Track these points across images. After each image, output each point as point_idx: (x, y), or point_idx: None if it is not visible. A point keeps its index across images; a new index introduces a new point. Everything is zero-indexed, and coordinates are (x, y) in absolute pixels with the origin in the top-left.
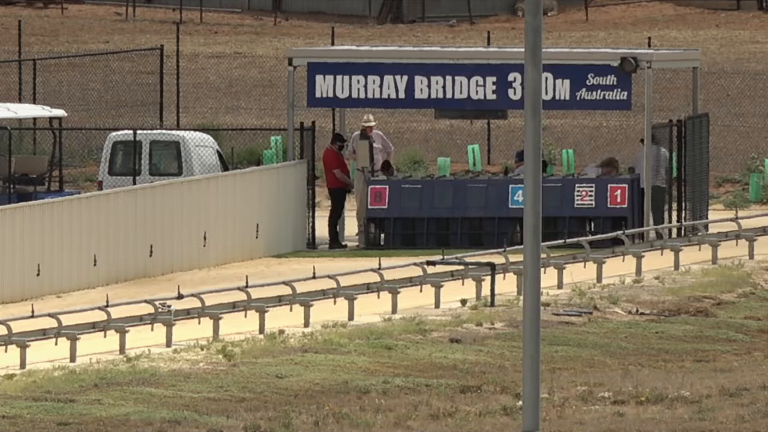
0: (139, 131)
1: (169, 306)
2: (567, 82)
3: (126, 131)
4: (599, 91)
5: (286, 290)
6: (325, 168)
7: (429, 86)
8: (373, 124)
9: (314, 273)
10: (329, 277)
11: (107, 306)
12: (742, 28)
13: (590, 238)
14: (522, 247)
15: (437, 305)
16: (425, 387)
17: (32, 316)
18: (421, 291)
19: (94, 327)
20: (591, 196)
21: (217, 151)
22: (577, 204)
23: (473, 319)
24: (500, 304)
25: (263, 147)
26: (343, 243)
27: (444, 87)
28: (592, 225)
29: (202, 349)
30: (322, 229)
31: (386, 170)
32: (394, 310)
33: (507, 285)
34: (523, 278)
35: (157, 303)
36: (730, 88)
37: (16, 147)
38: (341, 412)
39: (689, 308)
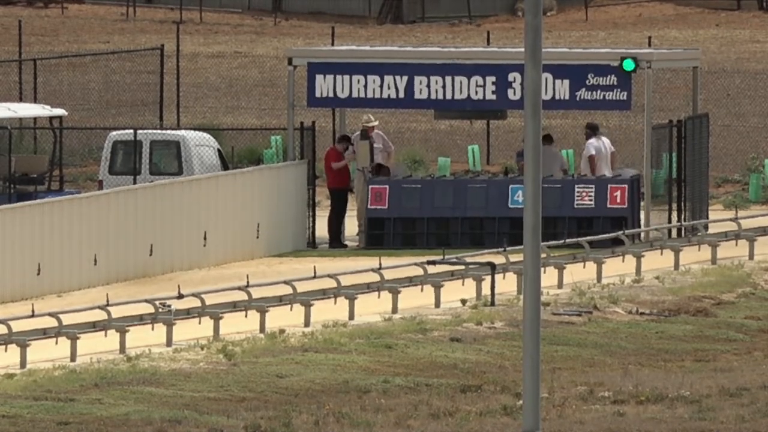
0: (139, 131)
1: (170, 305)
2: (567, 82)
3: (126, 131)
4: (599, 91)
5: (286, 290)
6: (326, 167)
7: (429, 86)
8: (374, 124)
9: (315, 272)
10: (330, 276)
11: (107, 305)
12: (742, 27)
13: (590, 238)
14: (522, 246)
15: (437, 305)
16: (425, 386)
17: (32, 316)
18: (421, 291)
19: (94, 326)
20: (591, 196)
21: (218, 151)
22: (577, 204)
23: (473, 318)
24: (500, 304)
25: (263, 147)
26: (344, 243)
27: (444, 87)
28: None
29: (202, 349)
30: (322, 229)
31: (380, 171)
32: (394, 310)
33: (507, 285)
34: (523, 278)
35: (157, 302)
36: (730, 88)
37: (16, 146)
38: (342, 412)
39: (689, 308)
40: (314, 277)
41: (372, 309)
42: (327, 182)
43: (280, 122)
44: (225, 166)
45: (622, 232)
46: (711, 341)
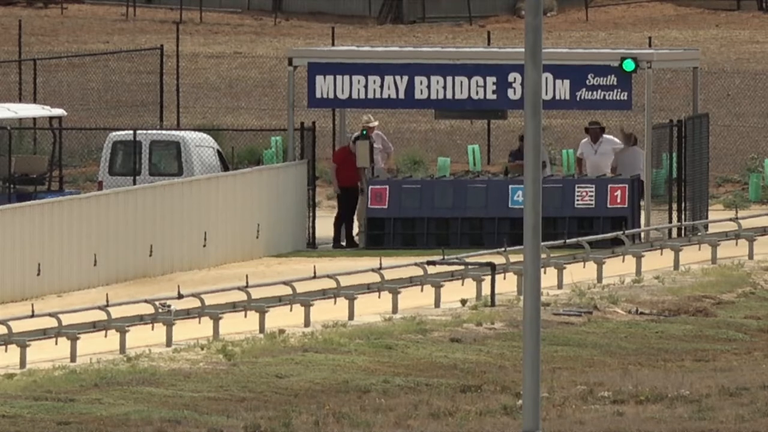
0: (139, 131)
1: (169, 306)
2: (567, 82)
3: (126, 131)
4: (599, 91)
5: (286, 290)
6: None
7: (429, 86)
8: (374, 124)
9: (315, 273)
10: (329, 276)
11: (107, 306)
12: (742, 28)
13: (590, 238)
14: (522, 247)
15: (437, 305)
16: (425, 386)
17: (32, 316)
18: (421, 291)
19: (94, 326)
20: (591, 196)
21: (218, 151)
22: (578, 204)
23: (473, 318)
24: (500, 304)
25: (263, 147)
26: (342, 242)
27: (444, 87)
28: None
29: (202, 349)
30: (322, 230)
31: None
32: (394, 310)
33: (507, 285)
34: (524, 278)
35: (157, 303)
36: (730, 88)
37: (16, 147)
38: (341, 412)
39: (689, 308)
40: (314, 277)
41: (372, 309)
42: (339, 180)
43: (280, 123)
44: (225, 167)
45: (622, 232)
46: (711, 341)
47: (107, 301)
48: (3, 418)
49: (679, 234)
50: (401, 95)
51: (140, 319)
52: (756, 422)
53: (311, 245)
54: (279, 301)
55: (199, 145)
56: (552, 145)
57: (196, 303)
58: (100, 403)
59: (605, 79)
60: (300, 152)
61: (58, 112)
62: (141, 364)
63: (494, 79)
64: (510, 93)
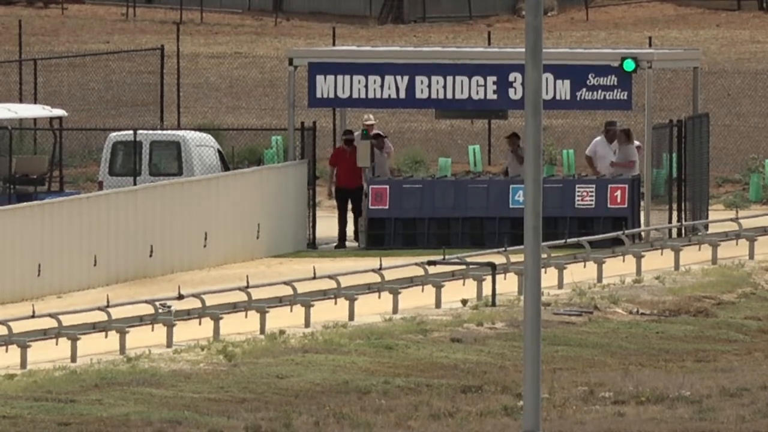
0: (139, 131)
1: (170, 306)
2: (567, 82)
3: (126, 131)
4: (600, 91)
5: (286, 290)
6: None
7: (430, 86)
8: (371, 123)
9: (315, 273)
10: (330, 277)
11: (108, 306)
12: (742, 27)
13: (590, 237)
14: (523, 247)
15: (438, 305)
16: (426, 387)
17: (33, 316)
18: (422, 291)
19: (94, 327)
20: (591, 196)
21: (218, 151)
22: (578, 204)
23: (474, 319)
24: (501, 304)
25: (264, 147)
26: (345, 242)
27: (445, 87)
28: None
29: (202, 350)
30: (322, 230)
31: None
32: (394, 310)
33: (508, 285)
34: (524, 278)
35: (157, 303)
36: (730, 88)
37: (16, 147)
38: (342, 413)
39: (690, 308)
40: (314, 277)
41: (372, 309)
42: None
43: (281, 122)
44: (225, 167)
45: (622, 232)
46: (711, 341)
47: (107, 301)
48: (3, 419)
49: (679, 234)
50: (402, 95)
51: (140, 320)
52: (757, 423)
53: (312, 245)
54: (279, 301)
55: (200, 144)
56: (552, 145)
57: (197, 303)
58: (101, 404)
59: (605, 79)
60: (300, 152)
61: (59, 112)
62: (141, 364)
63: (495, 78)
64: (511, 93)
